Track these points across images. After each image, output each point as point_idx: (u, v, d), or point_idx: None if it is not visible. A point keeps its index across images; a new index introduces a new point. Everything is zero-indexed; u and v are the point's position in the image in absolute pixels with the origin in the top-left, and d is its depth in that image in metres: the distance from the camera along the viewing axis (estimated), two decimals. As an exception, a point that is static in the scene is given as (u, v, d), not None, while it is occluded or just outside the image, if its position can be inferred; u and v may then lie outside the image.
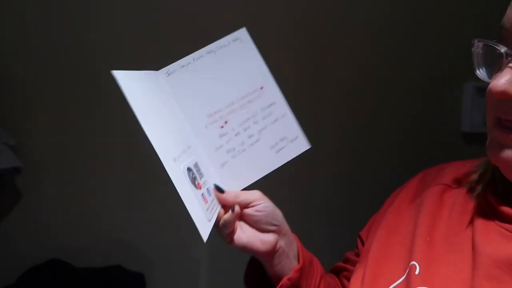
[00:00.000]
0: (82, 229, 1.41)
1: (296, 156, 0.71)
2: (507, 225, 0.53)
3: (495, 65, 0.50)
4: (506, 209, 0.53)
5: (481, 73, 0.52)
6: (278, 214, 0.68)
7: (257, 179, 0.69)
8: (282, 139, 0.70)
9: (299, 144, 0.70)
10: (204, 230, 0.59)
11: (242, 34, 0.68)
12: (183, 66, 0.65)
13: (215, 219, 0.63)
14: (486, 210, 0.56)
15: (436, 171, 0.69)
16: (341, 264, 0.78)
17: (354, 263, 0.72)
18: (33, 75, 1.29)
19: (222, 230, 0.64)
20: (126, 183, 1.38)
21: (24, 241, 1.37)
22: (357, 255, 0.74)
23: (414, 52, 1.55)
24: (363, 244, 0.72)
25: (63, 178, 1.40)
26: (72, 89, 1.32)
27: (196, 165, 0.64)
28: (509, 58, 0.47)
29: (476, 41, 0.52)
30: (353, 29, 1.49)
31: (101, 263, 1.39)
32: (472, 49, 0.52)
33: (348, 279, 0.69)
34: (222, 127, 0.67)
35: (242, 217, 0.67)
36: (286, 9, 1.42)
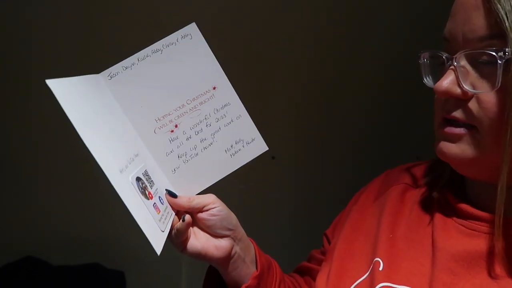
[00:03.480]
0: (58, 226, 1.38)
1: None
2: (464, 222, 0.56)
3: (439, 72, 0.54)
4: (463, 206, 0.56)
5: (428, 81, 0.57)
6: (232, 218, 0.66)
7: (211, 184, 0.66)
8: (238, 142, 0.66)
9: (256, 146, 0.67)
10: (157, 242, 0.56)
11: (192, 29, 0.62)
12: (126, 68, 0.61)
13: (169, 228, 0.61)
14: (444, 208, 0.59)
15: (399, 171, 0.70)
16: (306, 263, 0.77)
17: (319, 262, 0.72)
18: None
19: (175, 239, 0.62)
20: (104, 179, 1.36)
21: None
22: (323, 253, 0.74)
23: (393, 55, 1.50)
24: (329, 242, 0.72)
25: (37, 173, 1.37)
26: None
27: (145, 173, 0.61)
28: (449, 62, 0.52)
29: (422, 52, 0.57)
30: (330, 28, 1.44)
31: (78, 262, 1.37)
32: (419, 60, 0.57)
33: (314, 278, 0.69)
34: (172, 131, 0.64)
35: (195, 222, 0.64)
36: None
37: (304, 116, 1.56)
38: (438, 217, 0.58)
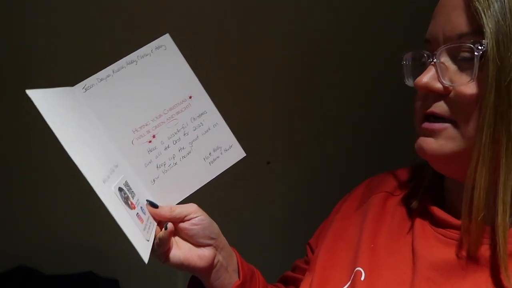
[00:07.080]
0: (50, 234, 1.37)
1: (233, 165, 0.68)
2: (441, 230, 0.56)
3: (420, 72, 0.55)
4: (440, 214, 0.56)
5: (409, 81, 0.59)
6: (215, 227, 0.66)
7: (191, 192, 0.67)
8: (216, 149, 0.67)
9: (234, 153, 0.67)
10: (144, 251, 0.57)
11: (166, 40, 0.63)
12: (101, 80, 0.61)
13: (153, 237, 0.61)
14: (424, 216, 0.59)
15: (380, 179, 0.70)
16: (290, 273, 0.77)
17: (303, 271, 0.72)
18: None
19: (157, 249, 0.62)
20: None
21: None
22: (307, 262, 0.74)
23: (389, 56, 1.50)
24: (312, 252, 0.72)
25: (29, 181, 1.36)
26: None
27: (126, 184, 0.61)
28: (430, 59, 0.54)
29: (404, 53, 0.58)
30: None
31: (71, 270, 1.36)
32: (402, 62, 0.59)
33: None
34: (150, 141, 0.64)
35: (177, 232, 0.65)
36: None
37: (299, 121, 1.56)
38: (418, 225, 0.59)
